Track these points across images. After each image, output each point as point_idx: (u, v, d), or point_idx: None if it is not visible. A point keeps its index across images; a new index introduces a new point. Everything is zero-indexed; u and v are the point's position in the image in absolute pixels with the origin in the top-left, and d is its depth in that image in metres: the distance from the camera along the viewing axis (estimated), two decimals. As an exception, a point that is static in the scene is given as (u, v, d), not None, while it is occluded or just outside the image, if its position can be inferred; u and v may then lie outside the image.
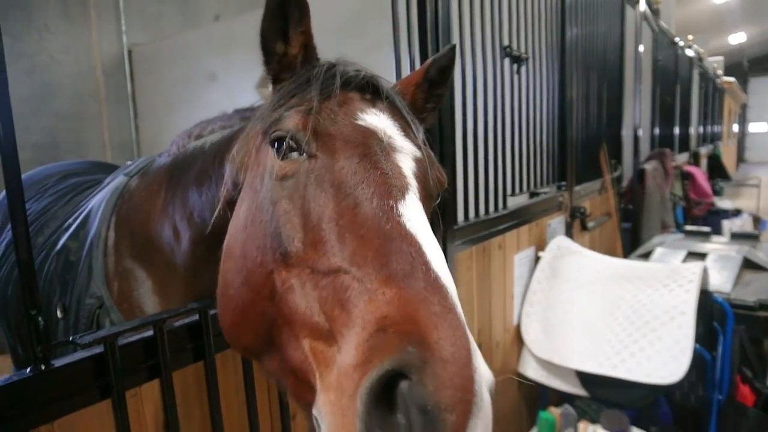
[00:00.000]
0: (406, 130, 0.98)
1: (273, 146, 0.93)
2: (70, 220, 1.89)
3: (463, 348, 0.65)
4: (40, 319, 0.96)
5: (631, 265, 2.86)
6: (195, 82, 5.19)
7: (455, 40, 2.23)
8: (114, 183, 1.83)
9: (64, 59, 5.48)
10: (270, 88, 1.07)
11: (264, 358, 0.95)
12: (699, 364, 2.50)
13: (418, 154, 0.95)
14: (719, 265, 3.30)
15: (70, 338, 1.01)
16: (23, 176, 2.51)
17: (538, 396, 3.00)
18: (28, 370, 0.97)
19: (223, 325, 0.99)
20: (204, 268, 1.37)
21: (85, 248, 1.70)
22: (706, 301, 2.58)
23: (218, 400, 1.25)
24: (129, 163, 1.95)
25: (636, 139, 5.14)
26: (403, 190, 0.86)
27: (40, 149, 5.15)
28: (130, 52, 5.92)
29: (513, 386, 2.86)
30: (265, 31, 1.00)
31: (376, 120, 0.95)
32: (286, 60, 1.03)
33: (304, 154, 0.90)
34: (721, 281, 3.08)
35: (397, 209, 0.81)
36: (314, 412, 0.75)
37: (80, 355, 1.04)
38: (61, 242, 1.82)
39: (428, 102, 1.21)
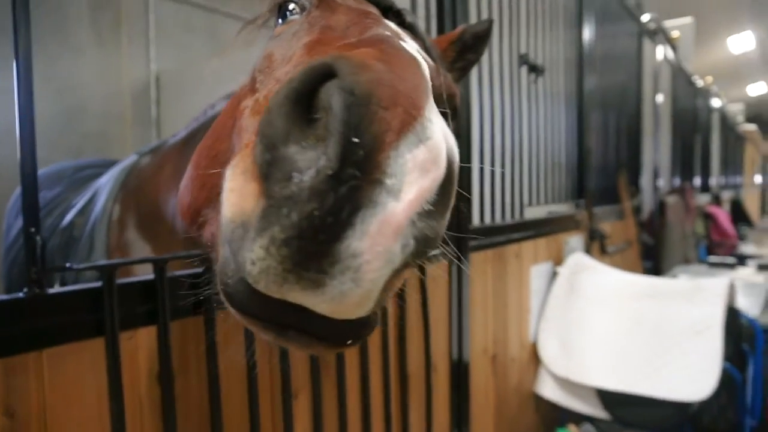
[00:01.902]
0: (423, 48, 0.90)
1: (278, 18, 0.91)
2: (78, 199, 1.90)
3: (419, 78, 0.52)
4: (38, 238, 0.93)
5: (653, 282, 2.76)
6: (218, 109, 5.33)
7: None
8: (124, 162, 1.84)
9: (94, 82, 5.67)
10: None
11: (205, 215, 0.84)
12: (729, 386, 2.36)
13: (429, 60, 0.87)
14: (746, 291, 3.17)
15: (67, 264, 0.98)
16: (42, 170, 2.53)
17: (556, 418, 2.85)
18: (22, 292, 0.93)
19: (180, 197, 0.94)
20: None
21: (89, 223, 1.69)
22: (734, 320, 2.46)
23: (216, 360, 1.19)
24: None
25: (656, 173, 5.07)
26: (398, 37, 0.75)
27: (64, 167, 5.25)
28: (157, 78, 6.12)
29: (530, 406, 2.72)
30: None
31: (391, 24, 0.86)
32: None
33: (303, 13, 0.87)
34: (747, 306, 2.95)
35: (384, 31, 0.69)
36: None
37: (77, 286, 1.01)
38: (67, 219, 1.82)
39: (458, 62, 1.20)
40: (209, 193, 0.83)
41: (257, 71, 0.85)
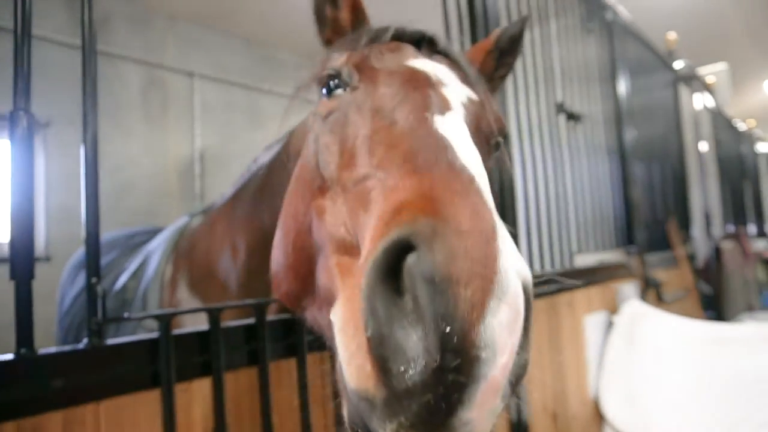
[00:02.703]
0: (463, 78, 0.94)
1: (322, 89, 0.95)
2: (130, 263, 1.94)
3: (485, 222, 0.57)
4: (99, 289, 0.94)
5: (719, 328, 2.58)
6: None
7: (509, 94, 2.28)
8: (176, 224, 1.89)
9: (143, 161, 5.98)
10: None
11: (305, 303, 0.92)
12: (821, 442, 2.13)
13: (473, 96, 0.91)
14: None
15: (125, 314, 0.98)
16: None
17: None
18: (83, 343, 0.93)
19: (274, 277, 0.99)
20: (256, 286, 1.37)
21: (142, 285, 1.72)
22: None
23: (270, 412, 1.15)
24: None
25: (708, 220, 4.89)
26: (443, 108, 0.81)
27: (115, 242, 5.46)
28: (201, 154, 6.41)
29: (596, 471, 2.50)
30: None
31: (428, 65, 0.91)
32: (338, 25, 1.06)
33: (348, 88, 0.90)
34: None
35: (431, 119, 0.76)
36: (331, 317, 0.68)
37: (135, 337, 1.00)
38: (120, 283, 1.85)
39: (498, 69, 1.22)
40: (304, 284, 0.91)
41: (320, 156, 0.88)
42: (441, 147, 0.70)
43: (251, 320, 1.18)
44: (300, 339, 1.22)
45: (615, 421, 2.43)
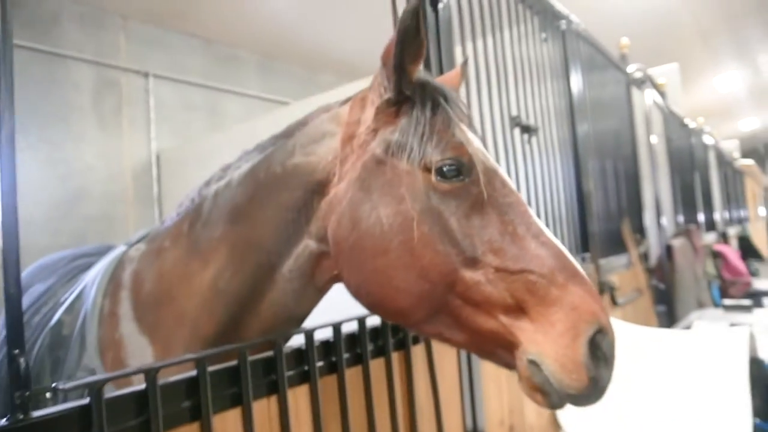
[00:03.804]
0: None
1: (429, 170, 1.16)
2: (67, 295, 1.84)
3: (609, 318, 1.10)
4: (21, 360, 0.90)
5: (668, 336, 2.67)
6: (218, 182, 5.38)
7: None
8: (112, 254, 1.81)
9: (97, 165, 5.77)
10: (372, 109, 1.26)
11: (427, 326, 1.21)
12: (762, 445, 2.23)
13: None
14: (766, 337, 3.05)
15: (52, 385, 0.93)
16: (39, 261, 2.40)
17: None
18: (5, 419, 0.89)
19: (387, 312, 1.26)
20: (219, 309, 1.39)
21: (79, 320, 1.64)
22: (759, 371, 2.36)
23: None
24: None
25: (658, 212, 5.03)
26: (527, 206, 1.22)
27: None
28: (158, 157, 6.23)
29: (553, 478, 2.56)
30: (403, 51, 1.15)
31: (476, 139, 1.26)
32: (407, 79, 1.21)
33: (465, 179, 1.16)
34: (771, 353, 2.83)
35: (537, 222, 1.17)
36: (528, 357, 1.07)
37: (64, 407, 0.96)
38: (55, 318, 1.76)
39: None
40: (431, 316, 1.18)
41: (460, 235, 1.14)
42: (563, 256, 1.13)
43: (193, 374, 1.15)
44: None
45: (571, 430, 2.48)
